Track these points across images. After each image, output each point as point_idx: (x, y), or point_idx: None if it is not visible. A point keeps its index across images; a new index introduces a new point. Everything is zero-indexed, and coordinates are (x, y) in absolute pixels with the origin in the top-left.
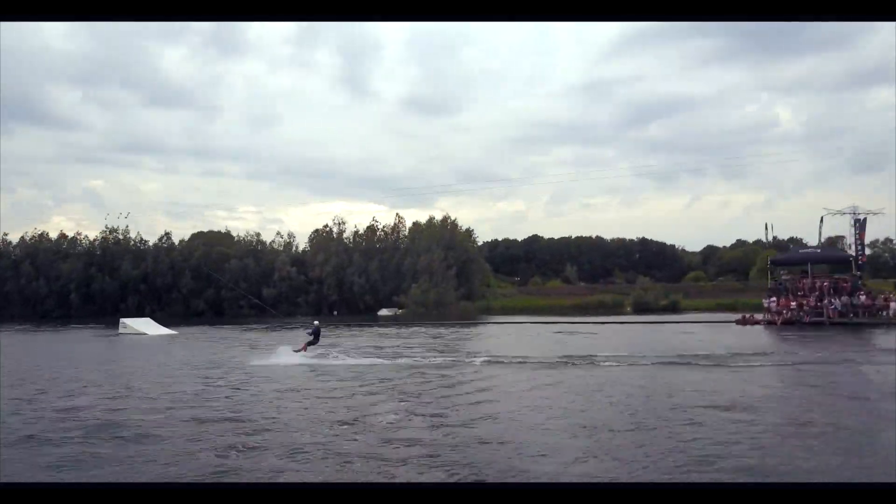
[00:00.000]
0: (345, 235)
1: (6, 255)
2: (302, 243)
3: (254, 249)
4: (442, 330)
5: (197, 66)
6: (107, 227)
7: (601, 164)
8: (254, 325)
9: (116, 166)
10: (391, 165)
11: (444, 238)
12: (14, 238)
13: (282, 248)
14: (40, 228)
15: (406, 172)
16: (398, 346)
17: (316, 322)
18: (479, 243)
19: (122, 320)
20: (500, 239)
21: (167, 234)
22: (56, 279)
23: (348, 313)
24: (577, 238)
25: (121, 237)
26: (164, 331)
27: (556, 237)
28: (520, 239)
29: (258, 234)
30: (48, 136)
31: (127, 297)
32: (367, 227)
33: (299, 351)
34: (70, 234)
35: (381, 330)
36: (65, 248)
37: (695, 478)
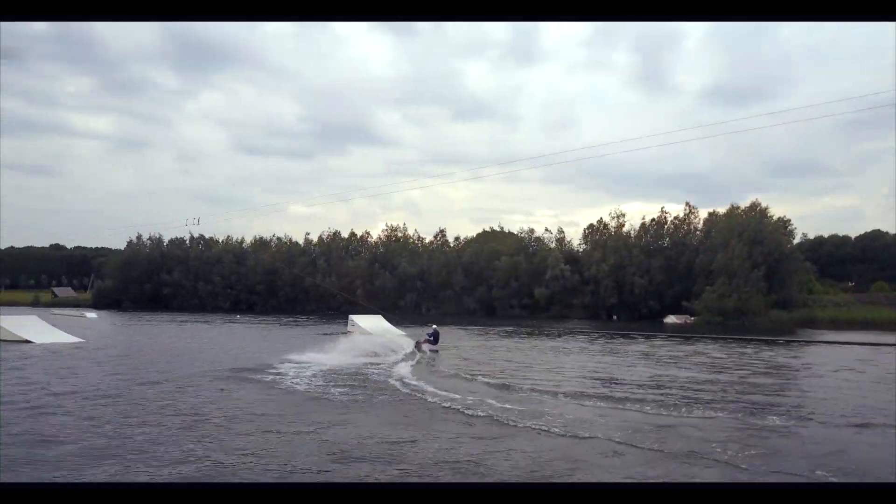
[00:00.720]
0: (624, 230)
1: (308, 252)
2: (576, 239)
3: (525, 246)
4: (739, 349)
5: (497, 79)
6: (388, 226)
7: None
8: (506, 328)
9: (430, 177)
10: (694, 162)
11: (749, 231)
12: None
13: (553, 245)
14: (372, 232)
15: (710, 168)
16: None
17: (434, 326)
18: (797, 240)
19: (351, 317)
20: (825, 236)
21: (441, 232)
22: (345, 275)
23: (629, 319)
24: None
25: (400, 235)
26: (392, 331)
27: None
28: (853, 236)
29: (532, 231)
30: (376, 153)
31: (405, 293)
32: (652, 220)
33: (414, 350)
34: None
35: (654, 343)
36: (354, 246)
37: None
